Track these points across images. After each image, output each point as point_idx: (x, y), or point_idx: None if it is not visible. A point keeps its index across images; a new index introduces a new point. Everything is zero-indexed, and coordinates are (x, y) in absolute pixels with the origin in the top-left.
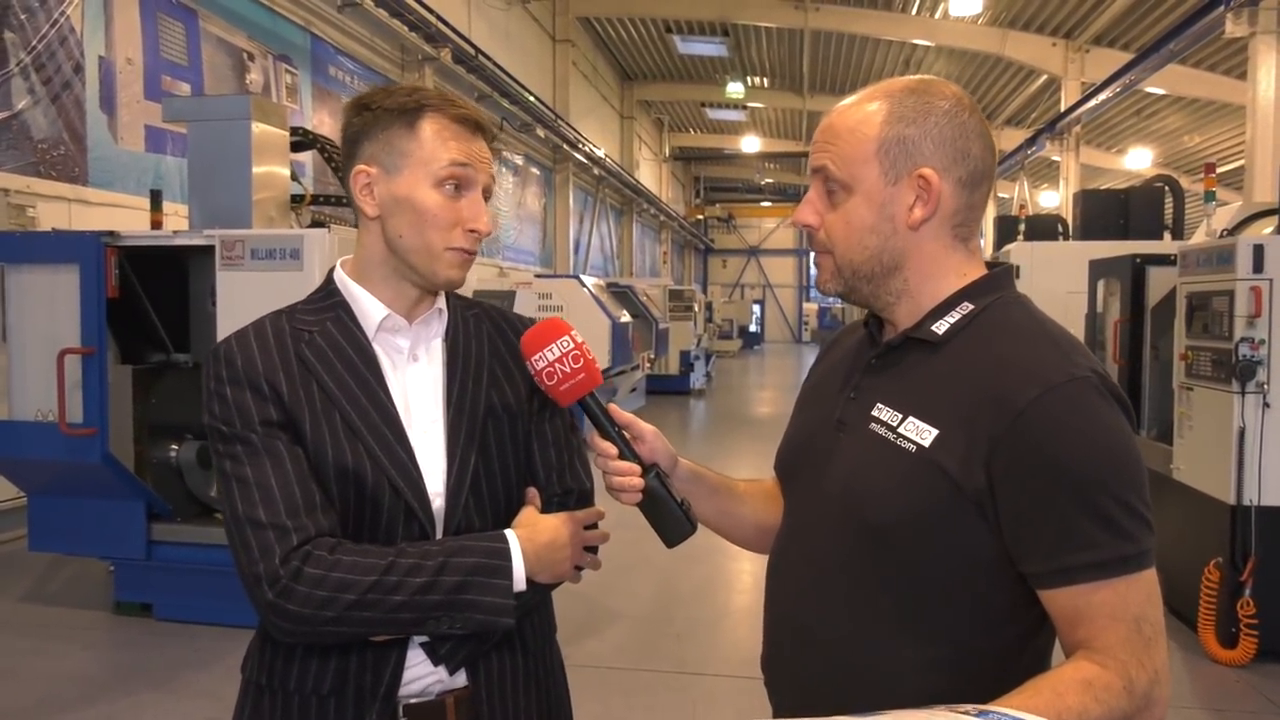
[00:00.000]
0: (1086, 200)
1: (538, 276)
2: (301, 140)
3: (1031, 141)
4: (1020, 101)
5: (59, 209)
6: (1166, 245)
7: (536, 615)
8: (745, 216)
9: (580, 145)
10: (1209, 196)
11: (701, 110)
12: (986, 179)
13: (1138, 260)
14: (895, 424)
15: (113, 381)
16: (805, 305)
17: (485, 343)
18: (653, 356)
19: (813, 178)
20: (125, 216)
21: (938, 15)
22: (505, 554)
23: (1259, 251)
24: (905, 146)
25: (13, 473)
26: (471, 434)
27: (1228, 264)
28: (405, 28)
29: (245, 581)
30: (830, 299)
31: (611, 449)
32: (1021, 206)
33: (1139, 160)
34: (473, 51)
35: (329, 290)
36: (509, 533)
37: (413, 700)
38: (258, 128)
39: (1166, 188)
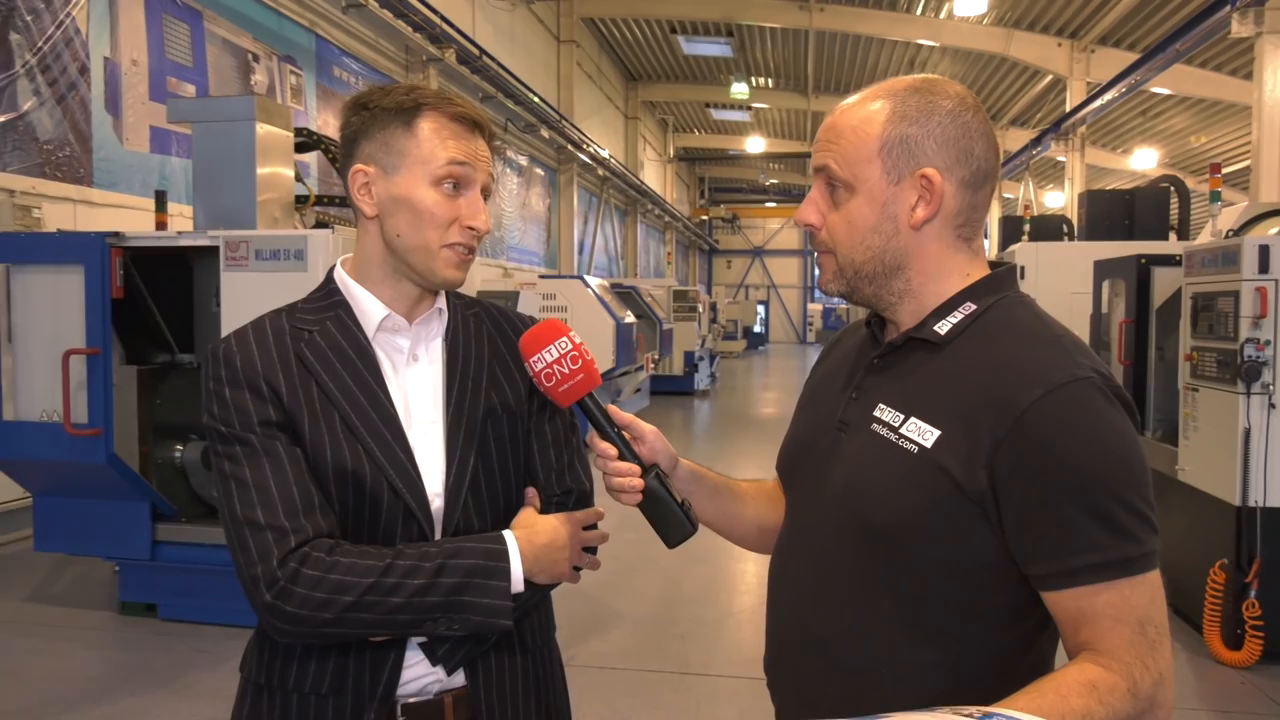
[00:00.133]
0: (1091, 200)
1: (542, 277)
2: (306, 141)
3: (1036, 142)
4: (1025, 102)
5: (64, 210)
6: (1172, 246)
7: (535, 615)
8: (750, 217)
9: (585, 146)
10: (1214, 197)
11: (706, 111)
12: (990, 179)
13: (1143, 261)
14: (897, 424)
15: (117, 382)
16: (810, 306)
17: (485, 343)
18: (657, 357)
19: (815, 177)
20: (130, 217)
21: (942, 15)
22: (503, 555)
23: (1264, 252)
24: (908, 146)
25: (18, 473)
26: (471, 435)
27: (1233, 264)
28: (409, 28)
29: (243, 583)
30: (835, 300)
31: (611, 450)
32: (1026, 207)
33: (1144, 160)
34: (477, 52)
35: (329, 290)
36: (507, 534)
37: (411, 700)
38: (262, 129)
39: (1172, 188)
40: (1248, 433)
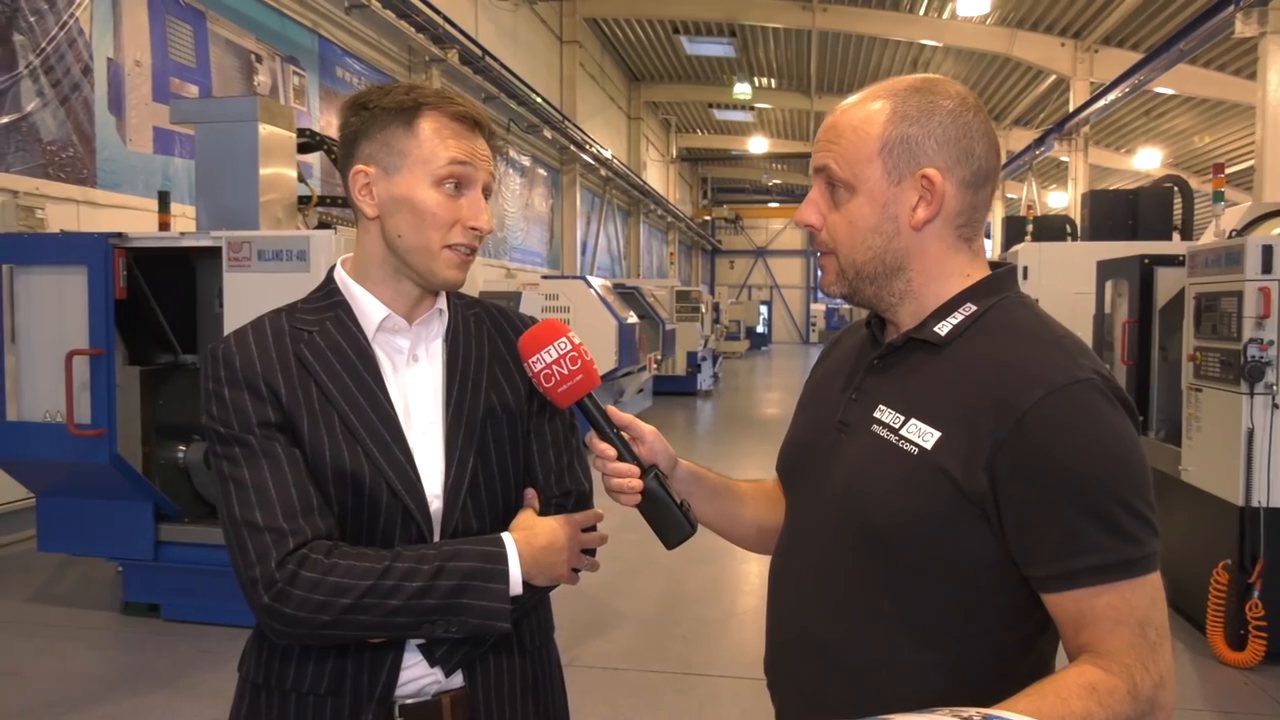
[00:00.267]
0: (1095, 201)
1: (545, 277)
2: (308, 142)
3: (1040, 142)
4: (1029, 102)
5: (68, 211)
6: (1175, 246)
7: (534, 616)
8: (752, 217)
9: (587, 146)
10: (1218, 197)
11: (709, 111)
12: (990, 179)
13: (1146, 261)
14: (897, 426)
15: (121, 382)
16: (812, 306)
17: (485, 343)
18: (660, 358)
19: (815, 177)
20: (133, 218)
21: (945, 15)
22: (502, 558)
23: (1268, 252)
24: (908, 146)
25: (21, 473)
26: (470, 436)
27: (1236, 264)
28: (412, 29)
29: (242, 584)
30: (837, 300)
31: (610, 450)
32: (1029, 207)
33: (1148, 160)
34: (480, 53)
35: (329, 290)
36: (506, 536)
37: (409, 701)
38: (265, 129)
39: (1175, 188)
40: (1251, 433)
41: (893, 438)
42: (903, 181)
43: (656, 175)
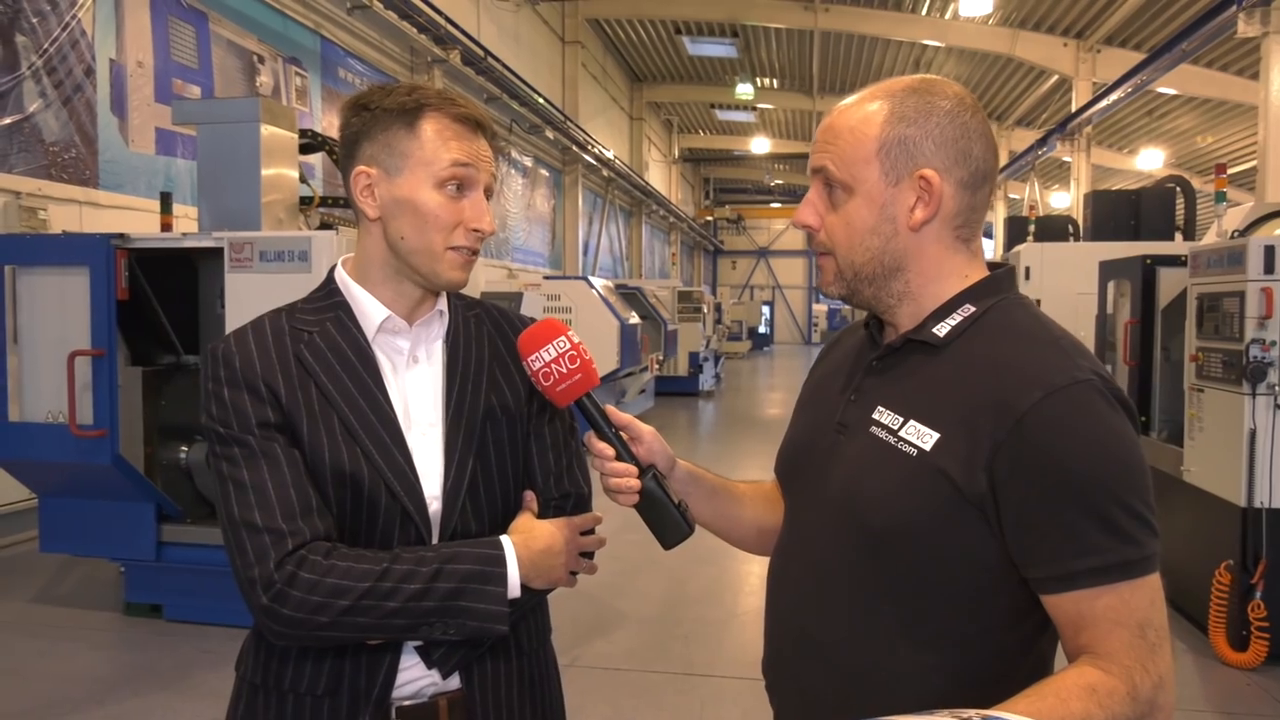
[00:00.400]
0: (1097, 201)
1: (546, 278)
2: (310, 142)
3: (1042, 142)
4: (1031, 102)
5: (70, 211)
6: (1178, 246)
7: (532, 618)
8: (754, 218)
9: (589, 147)
10: (1220, 197)
11: (711, 111)
12: (988, 180)
13: (1148, 261)
14: (896, 427)
15: (123, 383)
16: (815, 307)
17: (486, 345)
18: (661, 358)
19: (813, 178)
20: (136, 219)
21: (948, 15)
22: (500, 560)
23: (1270, 252)
24: (906, 147)
25: (24, 474)
26: (470, 438)
27: (1239, 265)
28: (414, 30)
29: (240, 585)
30: (838, 300)
31: (608, 450)
32: (1032, 207)
33: (1150, 161)
34: (482, 53)
35: (329, 290)
36: (504, 539)
37: (406, 702)
38: (267, 130)
39: (1178, 188)
40: (1253, 433)
41: (891, 439)
42: (900, 182)
43: (659, 176)
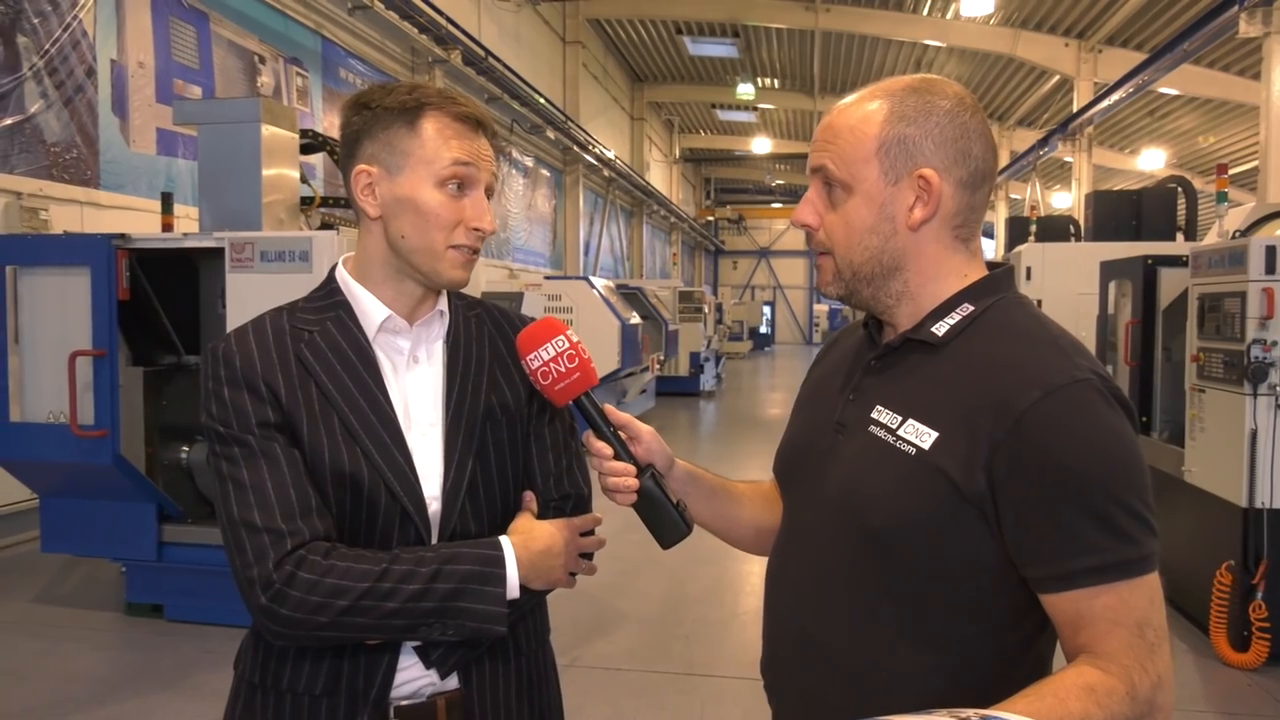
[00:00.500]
0: (1099, 201)
1: (548, 278)
2: (311, 142)
3: (1044, 142)
4: (1032, 102)
5: (71, 212)
6: (1179, 246)
7: (530, 618)
8: (755, 218)
9: (590, 147)
10: (1221, 197)
11: (712, 112)
12: (988, 180)
13: (1149, 261)
14: (895, 426)
15: (124, 383)
16: (816, 307)
17: (486, 345)
18: (663, 358)
19: (812, 177)
20: (137, 219)
21: (949, 15)
22: (499, 561)
23: (1271, 253)
24: (906, 146)
25: (25, 474)
26: (470, 438)
27: (1240, 265)
28: (415, 30)
29: (239, 584)
30: (838, 301)
31: (607, 449)
32: (1033, 207)
33: (1152, 161)
34: (483, 53)
35: (330, 289)
36: (504, 540)
37: (404, 702)
38: (268, 130)
39: (1179, 188)
40: (1254, 434)
41: (890, 438)
42: (900, 182)
43: (659, 176)
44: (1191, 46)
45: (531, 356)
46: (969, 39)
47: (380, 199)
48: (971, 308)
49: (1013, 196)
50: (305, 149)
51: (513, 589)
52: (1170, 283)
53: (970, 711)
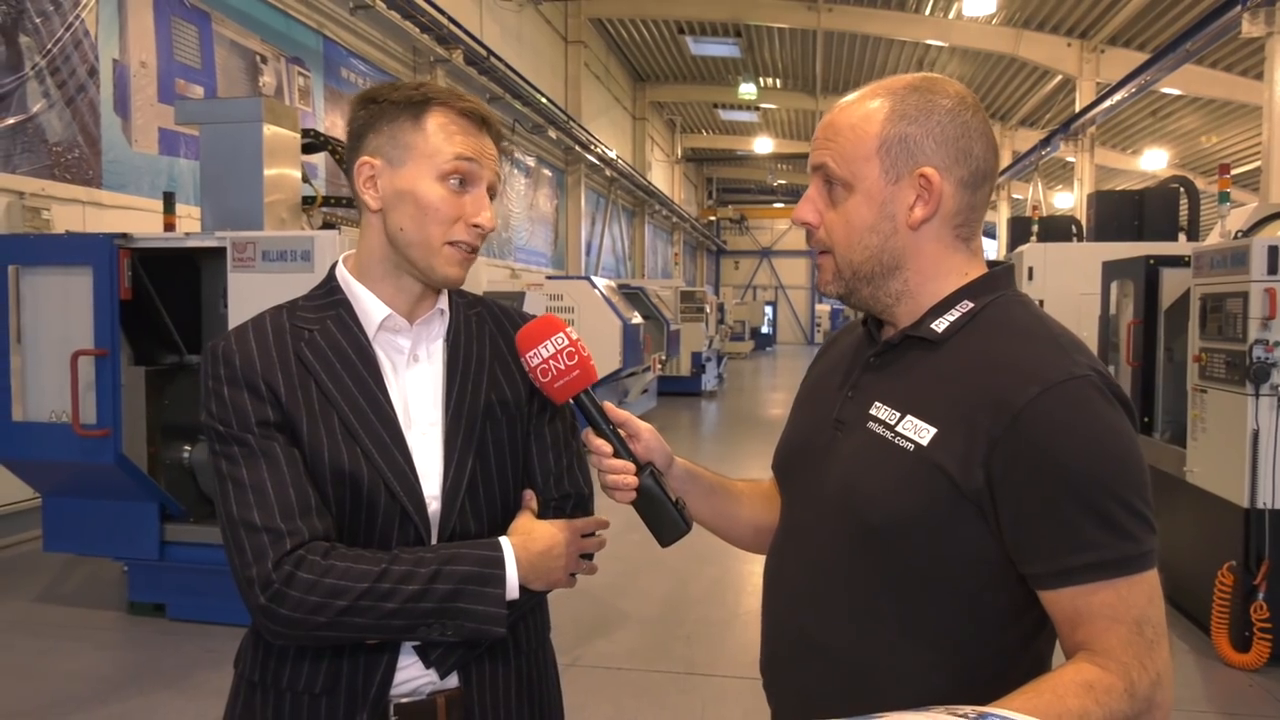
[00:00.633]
0: (1101, 201)
1: (549, 278)
2: (313, 142)
3: (1046, 142)
4: (1035, 102)
5: (73, 211)
6: (1181, 247)
7: (531, 617)
8: (757, 218)
9: (592, 147)
10: (1223, 197)
11: (714, 111)
12: (989, 179)
13: (1151, 261)
14: (893, 422)
15: (126, 383)
16: (818, 307)
17: (487, 343)
18: (664, 358)
19: (813, 175)
20: (139, 219)
21: (951, 15)
22: (499, 562)
23: (1274, 253)
24: (907, 145)
25: (27, 474)
26: (470, 437)
27: (1242, 265)
28: (417, 29)
29: (238, 584)
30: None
31: (606, 447)
32: (1035, 207)
33: (1154, 161)
34: (484, 53)
35: (330, 287)
36: (503, 540)
37: (404, 700)
38: (270, 130)
39: (1182, 189)
40: (1256, 434)
41: (888, 434)
42: (900, 180)
43: (661, 175)
44: (1194, 46)
45: (531, 354)
46: (971, 39)
47: (381, 191)
48: (971, 304)
49: (1015, 196)
50: (307, 149)
51: (512, 590)
52: (1172, 283)
53: (968, 708)
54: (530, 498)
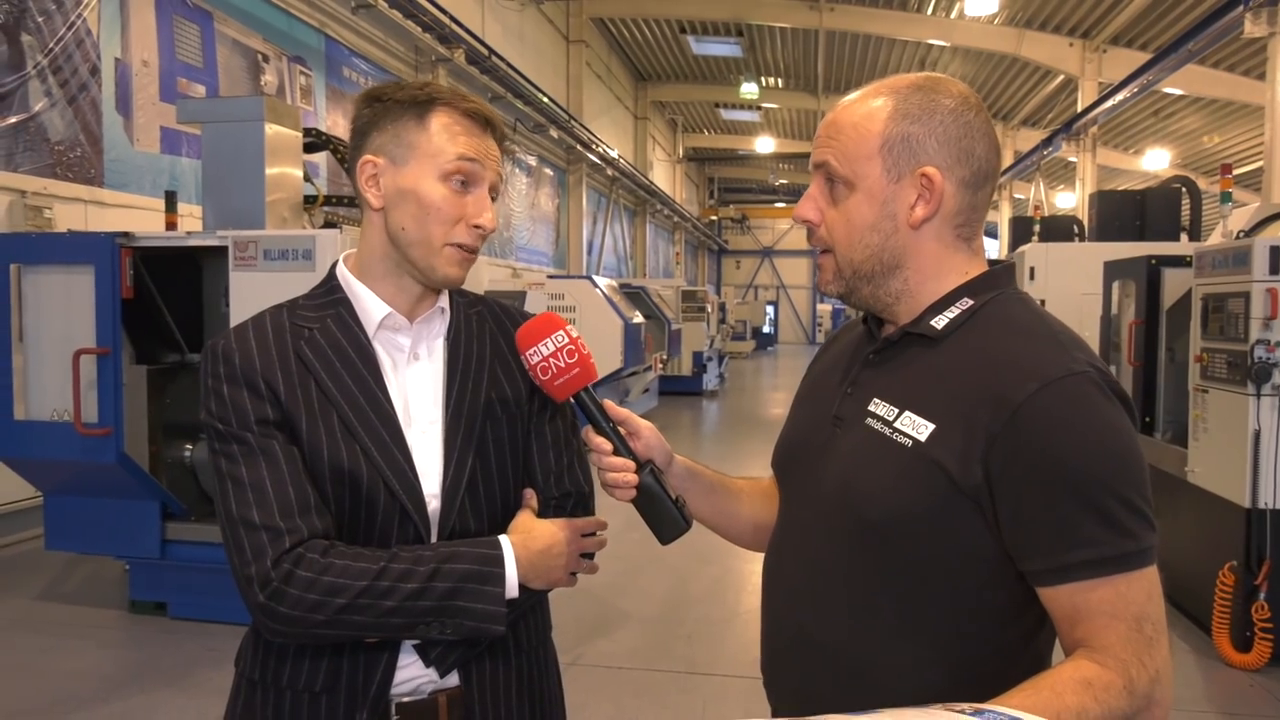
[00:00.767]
0: (1102, 201)
1: (550, 277)
2: (315, 141)
3: (1048, 142)
4: (1037, 102)
5: (75, 210)
6: (1183, 247)
7: (531, 616)
8: (759, 217)
9: (594, 146)
10: (1225, 197)
11: (715, 111)
12: (990, 179)
13: (1153, 261)
14: (891, 418)
15: (128, 382)
16: (819, 306)
17: (488, 342)
18: (665, 358)
19: (814, 173)
20: (140, 218)
21: (953, 15)
22: (498, 561)
23: (1275, 253)
24: (909, 144)
25: (29, 472)
26: (470, 435)
27: (1244, 265)
28: (419, 29)
29: (238, 582)
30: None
31: (606, 444)
32: (1037, 207)
33: (1157, 161)
34: (486, 52)
35: (330, 286)
36: (503, 539)
37: (405, 699)
38: (271, 129)
39: (1183, 189)
40: (1258, 434)
41: (887, 430)
42: (902, 179)
43: (663, 175)
44: (1196, 46)
45: (531, 352)
46: (973, 38)
47: (384, 190)
48: (971, 302)
49: (1017, 196)
50: (309, 148)
51: (512, 588)
52: (1174, 283)
53: (965, 705)
54: (530, 496)
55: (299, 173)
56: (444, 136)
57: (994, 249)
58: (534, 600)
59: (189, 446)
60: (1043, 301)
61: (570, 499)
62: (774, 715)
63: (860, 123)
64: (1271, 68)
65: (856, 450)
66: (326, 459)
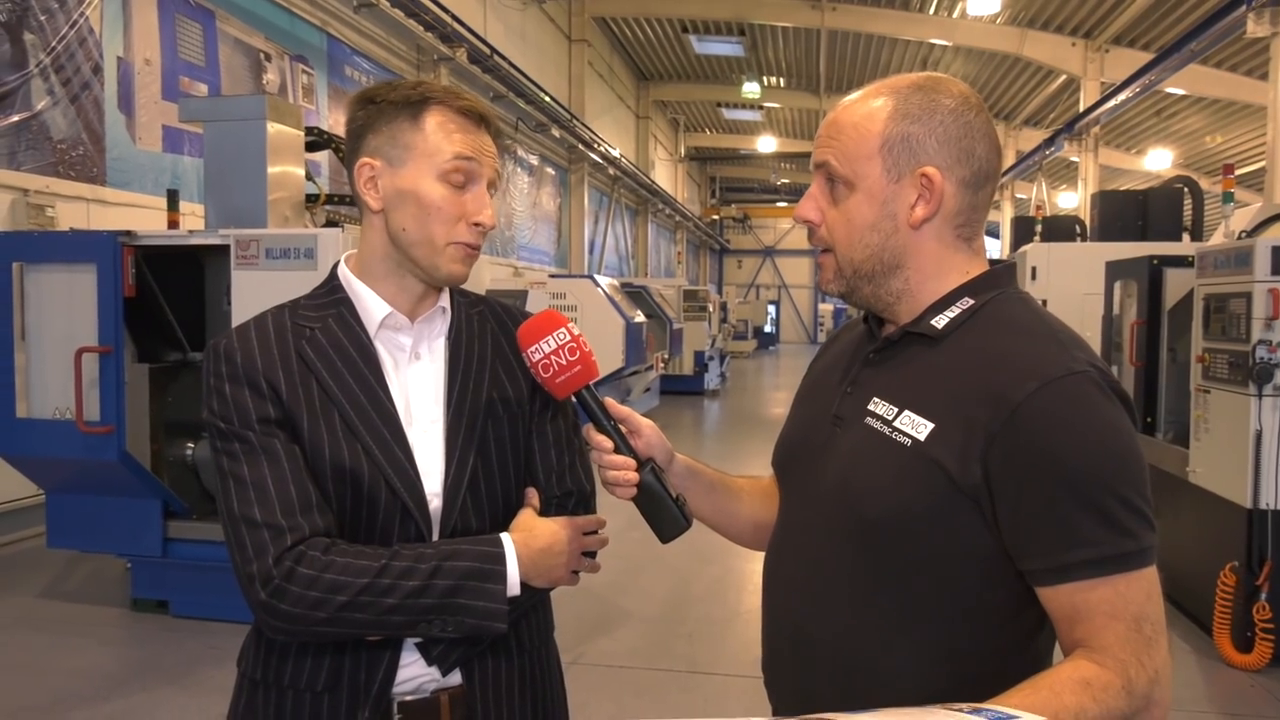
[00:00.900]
0: (1104, 201)
1: (552, 276)
2: (316, 140)
3: (1050, 142)
4: (1039, 102)
5: (77, 209)
6: (1185, 247)
7: (533, 615)
8: (760, 217)
9: (596, 145)
10: (1227, 198)
11: (717, 110)
12: (991, 179)
13: (1155, 262)
14: (891, 417)
15: (129, 380)
16: (821, 306)
17: (489, 341)
18: (667, 357)
19: (815, 173)
20: (143, 216)
21: (955, 15)
22: (500, 558)
23: (1277, 253)
24: (909, 144)
25: (31, 470)
26: (471, 434)
27: (1245, 266)
28: (421, 28)
29: (239, 580)
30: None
31: (607, 443)
32: (1039, 207)
33: (1159, 161)
34: (488, 51)
35: (332, 286)
36: (505, 537)
37: (408, 698)
38: (273, 128)
39: (1185, 189)
40: (1259, 435)
41: (886, 429)
42: (902, 179)
43: (665, 174)
44: (1199, 46)
45: (532, 349)
46: (975, 38)
47: (382, 192)
48: (971, 301)
49: (1019, 196)
50: (310, 146)
51: (513, 586)
52: (1176, 283)
53: (964, 705)
54: (532, 495)
55: (301, 171)
56: (440, 136)
57: (996, 249)
58: (536, 599)
59: (191, 445)
60: (1044, 301)
61: (572, 497)
62: (775, 714)
63: (860, 123)
64: (1274, 68)
65: (856, 449)
66: (328, 458)
